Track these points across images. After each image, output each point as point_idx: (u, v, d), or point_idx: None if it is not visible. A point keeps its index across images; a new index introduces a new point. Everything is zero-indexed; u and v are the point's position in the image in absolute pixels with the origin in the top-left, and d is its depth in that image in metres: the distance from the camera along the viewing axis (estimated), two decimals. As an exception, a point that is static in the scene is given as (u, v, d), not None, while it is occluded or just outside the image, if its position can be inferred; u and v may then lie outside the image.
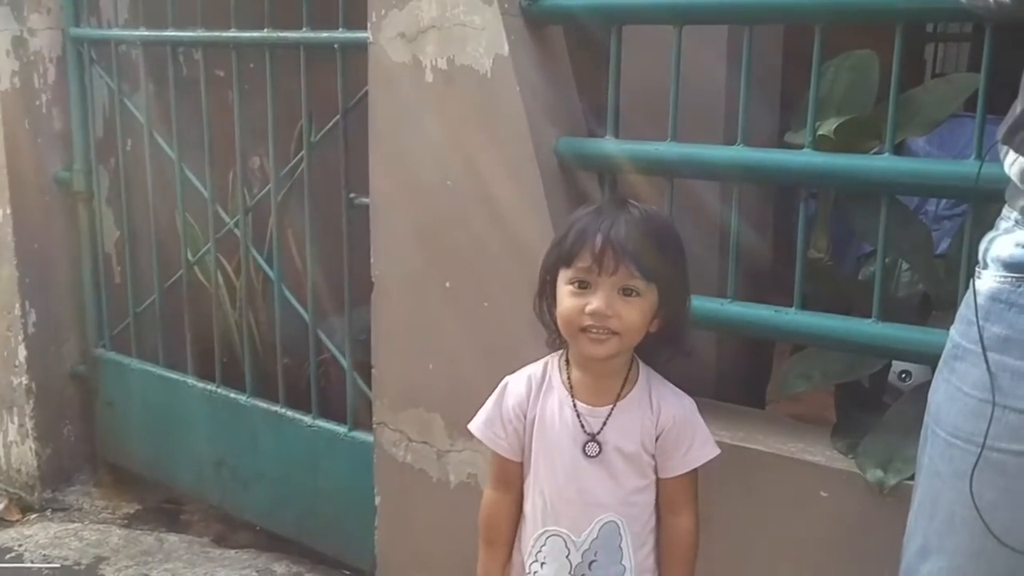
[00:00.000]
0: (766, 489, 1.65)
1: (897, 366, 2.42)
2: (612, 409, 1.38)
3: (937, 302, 1.85)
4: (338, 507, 2.38)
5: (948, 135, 2.28)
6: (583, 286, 1.30)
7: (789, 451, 1.65)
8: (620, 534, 1.38)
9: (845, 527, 1.58)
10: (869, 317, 1.62)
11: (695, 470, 1.40)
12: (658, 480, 1.41)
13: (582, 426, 1.38)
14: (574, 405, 1.38)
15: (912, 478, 1.43)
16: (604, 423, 1.37)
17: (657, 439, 1.38)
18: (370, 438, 2.22)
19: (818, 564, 1.63)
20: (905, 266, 1.98)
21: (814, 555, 1.64)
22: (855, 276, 2.23)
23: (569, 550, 1.39)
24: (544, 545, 1.40)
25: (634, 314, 1.30)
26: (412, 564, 2.19)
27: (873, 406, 1.85)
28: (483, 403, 1.46)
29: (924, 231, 1.89)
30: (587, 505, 1.38)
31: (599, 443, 1.37)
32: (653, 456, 1.39)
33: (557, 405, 1.40)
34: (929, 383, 1.22)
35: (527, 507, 1.44)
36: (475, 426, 1.46)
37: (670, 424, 1.38)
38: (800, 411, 2.31)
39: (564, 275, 1.33)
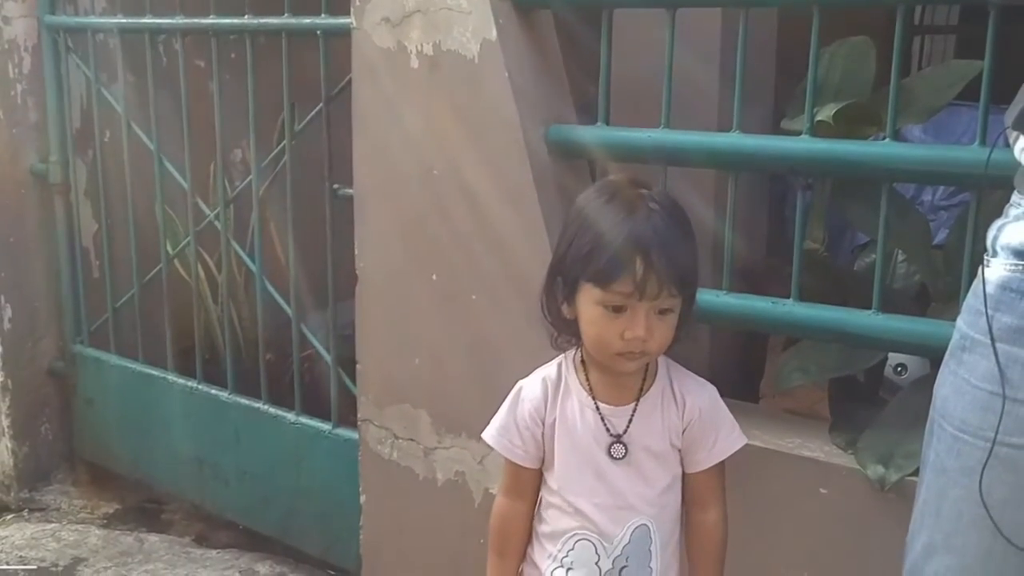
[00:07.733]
0: (763, 486, 1.61)
1: (893, 360, 2.40)
2: (635, 407, 1.33)
3: (935, 293, 1.82)
4: (322, 506, 2.34)
5: (944, 123, 2.26)
6: (618, 310, 1.23)
7: (786, 447, 1.62)
8: (651, 537, 1.33)
9: (845, 525, 1.55)
10: (867, 309, 1.58)
11: (722, 462, 1.36)
12: (684, 475, 1.36)
13: (606, 428, 1.32)
14: (596, 406, 1.33)
15: (914, 474, 1.41)
16: (629, 422, 1.32)
17: (683, 432, 1.34)
18: (355, 435, 2.18)
19: (818, 563, 1.60)
20: (901, 257, 1.95)
21: (813, 554, 1.60)
22: (850, 267, 2.20)
23: (599, 555, 1.33)
24: (572, 549, 1.34)
25: (668, 332, 1.26)
26: (398, 564, 2.15)
27: (869, 401, 1.82)
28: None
29: (922, 221, 1.86)
30: (619, 509, 1.33)
31: (624, 444, 1.32)
32: (679, 450, 1.35)
33: (578, 407, 1.34)
34: (926, 377, 1.18)
35: (548, 512, 1.38)
36: (489, 435, 1.39)
37: (696, 416, 1.33)
38: (792, 406, 2.28)
39: (593, 293, 1.24)
